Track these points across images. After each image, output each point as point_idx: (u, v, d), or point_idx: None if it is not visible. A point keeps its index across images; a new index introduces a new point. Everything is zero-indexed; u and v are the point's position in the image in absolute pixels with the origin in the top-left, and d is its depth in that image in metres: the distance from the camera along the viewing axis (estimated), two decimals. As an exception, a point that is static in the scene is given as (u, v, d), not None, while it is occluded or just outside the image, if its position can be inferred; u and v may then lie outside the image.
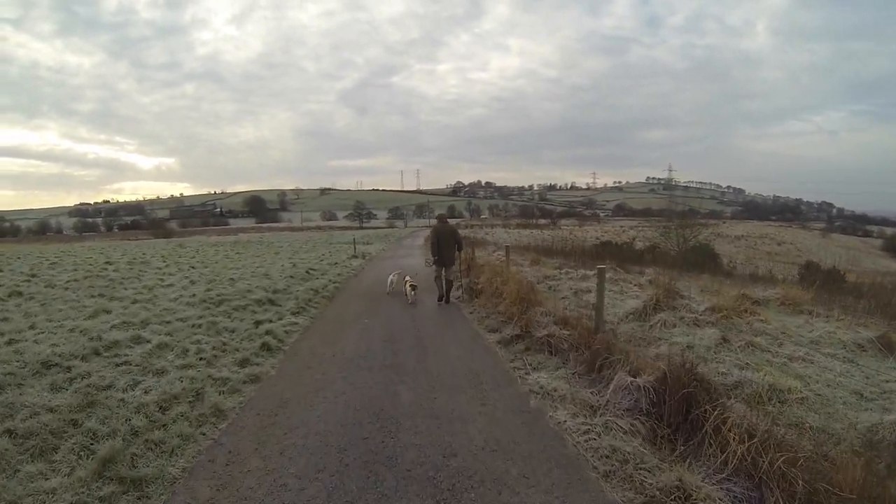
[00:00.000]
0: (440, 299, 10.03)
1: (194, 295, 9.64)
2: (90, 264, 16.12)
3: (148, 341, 6.53)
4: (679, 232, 32.49)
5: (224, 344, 6.55)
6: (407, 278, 10.81)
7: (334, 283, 12.61)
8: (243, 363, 5.90)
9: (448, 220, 11.58)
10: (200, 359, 5.92)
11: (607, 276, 12.99)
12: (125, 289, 10.84)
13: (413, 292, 10.11)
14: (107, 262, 16.70)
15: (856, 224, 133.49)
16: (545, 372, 5.64)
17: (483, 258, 15.12)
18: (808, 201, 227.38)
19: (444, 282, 10.08)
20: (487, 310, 8.65)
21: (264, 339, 6.71)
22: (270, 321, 7.88)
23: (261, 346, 6.48)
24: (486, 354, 6.40)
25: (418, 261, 18.69)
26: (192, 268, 15.33)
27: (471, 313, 8.98)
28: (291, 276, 12.74)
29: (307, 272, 13.97)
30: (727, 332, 7.00)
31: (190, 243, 39.41)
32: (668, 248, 31.64)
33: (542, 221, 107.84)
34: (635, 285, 11.85)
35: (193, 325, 7.41)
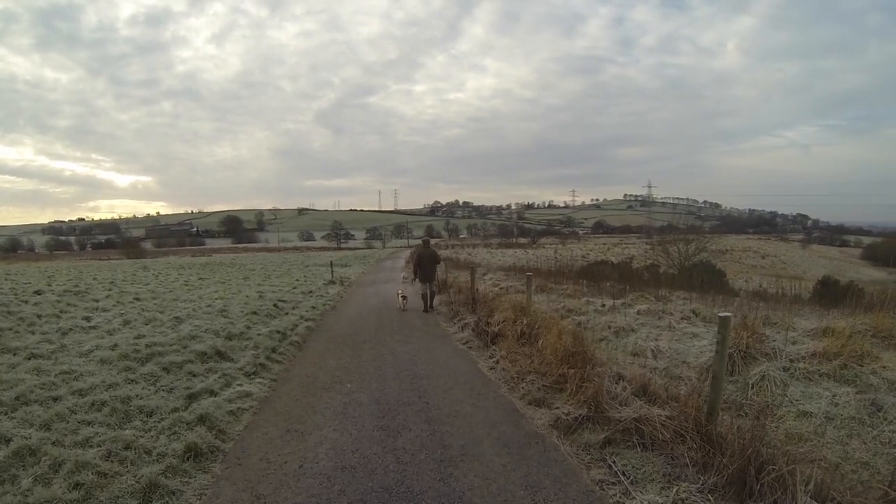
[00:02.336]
0: (425, 310, 11.59)
1: (116, 346, 7.10)
2: (15, 293, 13.36)
3: (7, 441, 4.08)
4: (681, 248, 30.91)
5: (127, 446, 4.11)
6: (399, 291, 12.88)
7: (307, 320, 10.17)
8: (148, 492, 3.48)
9: (430, 241, 13.71)
10: (75, 485, 3.50)
11: (642, 307, 10.88)
12: (31, 333, 8.21)
13: (404, 301, 11.98)
14: (36, 291, 13.87)
15: (833, 235, 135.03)
16: (654, 490, 3.47)
17: (487, 288, 12.85)
18: (783, 214, 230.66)
19: (428, 294, 11.79)
20: (517, 366, 6.33)
21: (194, 434, 4.28)
22: (212, 392, 5.43)
23: (185, 451, 4.04)
24: (546, 455, 4.09)
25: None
26: (137, 299, 12.67)
27: (491, 369, 6.69)
28: (255, 313, 10.24)
29: (275, 305, 11.50)
30: (866, 392, 4.99)
31: (156, 265, 36.42)
32: (669, 265, 29.99)
33: (522, 240, 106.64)
34: (682, 318, 9.74)
35: (92, 405, 4.94)
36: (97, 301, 12.17)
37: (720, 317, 3.97)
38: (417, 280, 12.20)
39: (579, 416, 4.59)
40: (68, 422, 4.54)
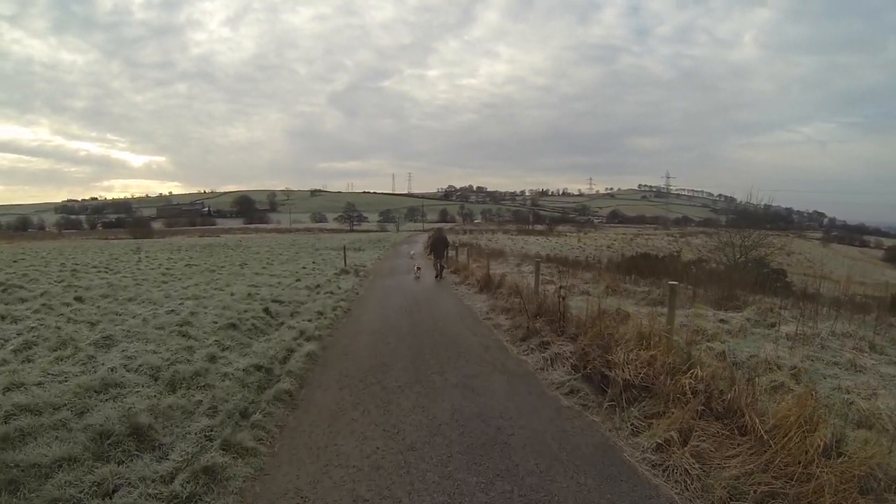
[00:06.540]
0: (436, 277, 15.04)
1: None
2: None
3: None
4: (736, 242, 27.60)
5: None
6: (415, 265, 16.82)
7: (309, 339, 6.81)
8: None
9: (443, 229, 21.24)
10: None
11: (788, 329, 7.50)
12: None
13: (419, 270, 15.92)
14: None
15: (853, 234, 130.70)
16: None
17: (532, 284, 9.50)
18: (798, 210, 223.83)
19: (439, 267, 15.52)
20: (721, 464, 3.01)
21: None
22: None
23: None
24: None
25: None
26: (78, 299, 9.33)
27: (658, 467, 3.40)
28: (233, 325, 6.94)
29: (266, 310, 8.20)
30: None
31: (153, 247, 33.39)
32: (724, 261, 26.62)
33: (538, 227, 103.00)
34: (853, 348, 6.39)
35: None
36: (23, 301, 8.94)
37: None
38: (432, 256, 16.11)
39: None
40: None
